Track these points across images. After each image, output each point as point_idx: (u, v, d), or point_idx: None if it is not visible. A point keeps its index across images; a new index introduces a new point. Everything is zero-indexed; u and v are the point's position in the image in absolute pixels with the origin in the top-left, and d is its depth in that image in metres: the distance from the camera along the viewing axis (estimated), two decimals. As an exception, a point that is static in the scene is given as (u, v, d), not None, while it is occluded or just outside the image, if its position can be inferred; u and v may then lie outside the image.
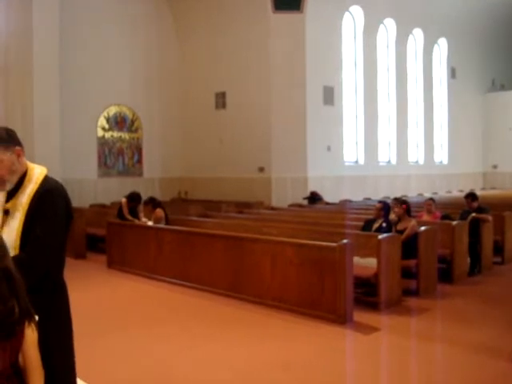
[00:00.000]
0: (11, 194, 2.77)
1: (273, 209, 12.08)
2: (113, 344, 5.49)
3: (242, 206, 12.39)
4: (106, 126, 14.60)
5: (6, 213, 2.77)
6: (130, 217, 10.11)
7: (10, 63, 12.21)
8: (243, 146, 14.72)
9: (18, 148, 2.74)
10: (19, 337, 2.09)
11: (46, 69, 12.47)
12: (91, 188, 12.95)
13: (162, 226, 9.02)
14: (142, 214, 10.14)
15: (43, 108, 12.22)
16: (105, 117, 14.54)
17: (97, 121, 14.40)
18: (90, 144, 14.24)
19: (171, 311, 6.81)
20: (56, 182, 2.84)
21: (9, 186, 2.76)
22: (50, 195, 2.74)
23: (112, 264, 9.45)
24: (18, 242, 2.65)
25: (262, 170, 14.54)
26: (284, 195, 14.12)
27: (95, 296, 7.45)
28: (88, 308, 6.54)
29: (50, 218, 2.69)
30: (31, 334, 2.13)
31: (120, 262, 9.28)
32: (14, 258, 2.43)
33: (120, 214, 10.29)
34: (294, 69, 14.47)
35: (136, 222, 9.92)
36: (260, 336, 5.72)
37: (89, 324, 5.72)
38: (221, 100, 15.34)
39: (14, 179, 2.75)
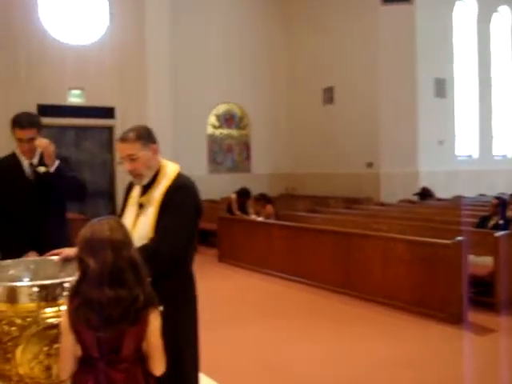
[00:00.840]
0: (146, 189, 2.95)
1: (382, 205, 11.88)
2: (226, 336, 5.64)
3: (350, 202, 12.27)
4: (216, 124, 14.97)
5: (141, 206, 2.95)
6: (239, 212, 10.32)
7: (125, 65, 12.79)
8: (351, 141, 14.54)
9: (154, 146, 2.92)
10: (143, 324, 2.21)
11: (159, 69, 12.97)
12: (202, 184, 13.21)
13: (271, 221, 9.14)
14: (251, 210, 10.30)
15: (157, 108, 12.72)
16: (215, 115, 14.92)
17: (207, 119, 14.81)
18: (201, 141, 14.66)
19: (281, 305, 6.90)
20: (188, 179, 2.99)
21: (145, 181, 2.95)
22: (182, 190, 2.89)
23: (223, 258, 9.70)
24: (151, 235, 2.80)
25: (370, 165, 14.30)
26: (393, 191, 13.80)
27: (208, 288, 7.65)
28: (202, 300, 6.74)
29: (179, 211, 2.83)
30: (154, 322, 2.24)
31: (230, 256, 9.51)
32: (141, 247, 2.59)
33: (229, 210, 10.53)
34: (403, 61, 14.11)
35: (244, 217, 10.10)
36: (369, 333, 5.67)
37: (203, 315, 5.90)
38: (328, 95, 15.24)
39: (150, 174, 2.93)
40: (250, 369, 4.79)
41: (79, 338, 2.18)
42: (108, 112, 12.70)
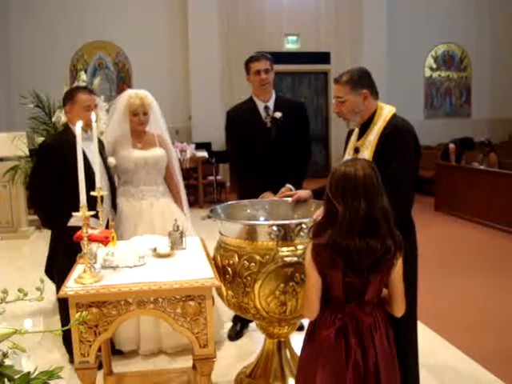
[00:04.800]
0: (362, 133, 2.90)
1: None
2: (440, 285, 5.46)
3: None
4: (434, 66, 14.21)
5: (356, 151, 2.90)
6: (455, 164, 9.74)
7: (340, 9, 12.62)
8: None
9: (364, 91, 2.82)
10: (390, 270, 2.19)
11: (375, 13, 12.56)
12: (418, 129, 12.73)
13: (496, 169, 8.54)
14: (463, 162, 9.67)
15: (372, 51, 12.39)
16: (432, 56, 14.14)
17: (424, 60, 14.10)
18: (418, 85, 14.03)
19: (502, 258, 6.48)
20: (403, 120, 2.88)
21: (352, 125, 2.92)
22: (398, 132, 2.79)
23: (440, 207, 9.31)
24: None
25: None
26: None
27: (422, 236, 7.42)
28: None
29: (400, 155, 2.73)
30: (399, 266, 2.22)
31: (448, 206, 9.09)
32: None
33: (444, 157, 9.98)
34: None
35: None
36: None
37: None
38: None
39: (357, 119, 2.88)
40: (461, 318, 4.61)
41: (324, 279, 2.19)
42: (323, 57, 12.74)
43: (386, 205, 2.15)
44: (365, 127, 2.88)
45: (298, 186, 3.86)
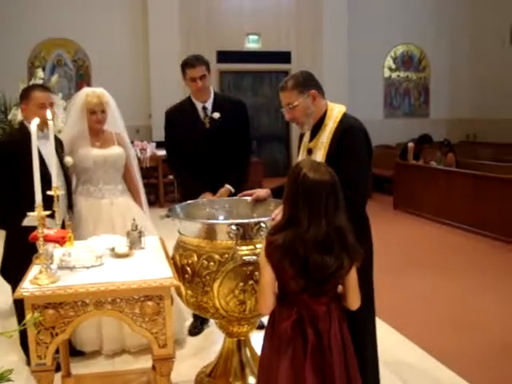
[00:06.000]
0: (314, 134, 2.92)
1: None
2: (400, 282, 5.54)
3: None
4: (393, 66, 14.41)
5: (309, 152, 2.93)
6: (414, 161, 9.87)
7: (301, 9, 12.69)
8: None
9: (312, 91, 2.84)
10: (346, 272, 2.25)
11: (335, 13, 12.69)
12: (377, 129, 12.86)
13: (452, 169, 8.70)
14: (421, 160, 9.81)
15: (332, 51, 12.54)
16: (391, 56, 14.34)
17: (384, 61, 14.30)
18: (377, 85, 14.24)
19: (459, 256, 6.60)
20: (355, 119, 2.90)
21: (307, 128, 2.93)
22: (350, 132, 2.81)
23: (398, 205, 9.46)
24: None
25: None
26: None
27: (381, 235, 7.53)
28: (375, 246, 6.65)
29: (353, 154, 2.76)
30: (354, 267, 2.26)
31: (407, 204, 9.24)
32: None
33: (402, 156, 10.11)
34: None
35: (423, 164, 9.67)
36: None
37: (376, 261, 5.83)
38: (518, 33, 13.85)
39: (311, 121, 2.89)
40: (420, 316, 4.68)
41: (278, 274, 2.21)
42: (284, 56, 12.79)
43: (342, 222, 2.18)
44: (316, 128, 2.89)
45: (239, 187, 3.89)
